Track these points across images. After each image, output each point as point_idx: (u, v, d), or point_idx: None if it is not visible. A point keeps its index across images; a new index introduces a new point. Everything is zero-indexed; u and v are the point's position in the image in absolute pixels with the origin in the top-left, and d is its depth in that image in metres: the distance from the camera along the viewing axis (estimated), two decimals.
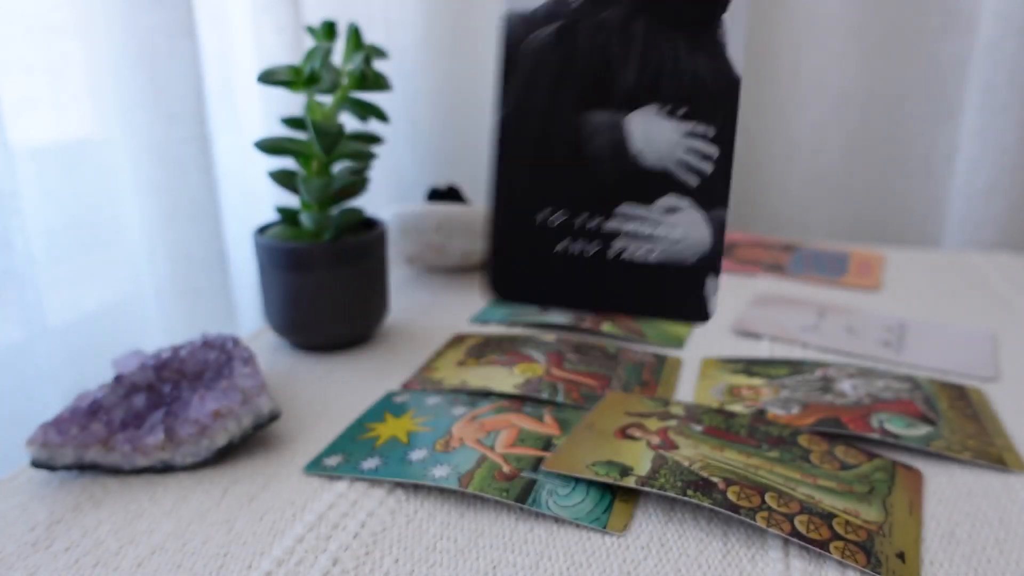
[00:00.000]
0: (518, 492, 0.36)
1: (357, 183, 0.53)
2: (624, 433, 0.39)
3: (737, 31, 0.37)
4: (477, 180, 1.04)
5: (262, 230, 0.54)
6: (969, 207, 0.83)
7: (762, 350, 0.53)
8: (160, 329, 0.63)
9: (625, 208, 0.38)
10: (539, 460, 0.38)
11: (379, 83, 0.50)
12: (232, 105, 0.71)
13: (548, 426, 0.42)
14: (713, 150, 0.38)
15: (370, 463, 0.39)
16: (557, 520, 0.35)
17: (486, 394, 0.46)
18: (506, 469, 0.37)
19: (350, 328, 0.53)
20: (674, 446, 0.38)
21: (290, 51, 0.70)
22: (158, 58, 0.56)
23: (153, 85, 0.57)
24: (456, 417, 0.43)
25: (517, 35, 0.38)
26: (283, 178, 0.53)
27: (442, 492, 0.37)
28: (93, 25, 0.55)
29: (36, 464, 0.37)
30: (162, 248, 0.60)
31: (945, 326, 0.57)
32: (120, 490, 0.38)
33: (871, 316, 0.58)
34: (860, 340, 0.53)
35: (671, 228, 0.38)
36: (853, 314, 0.58)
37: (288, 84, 0.49)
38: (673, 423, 0.41)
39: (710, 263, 0.38)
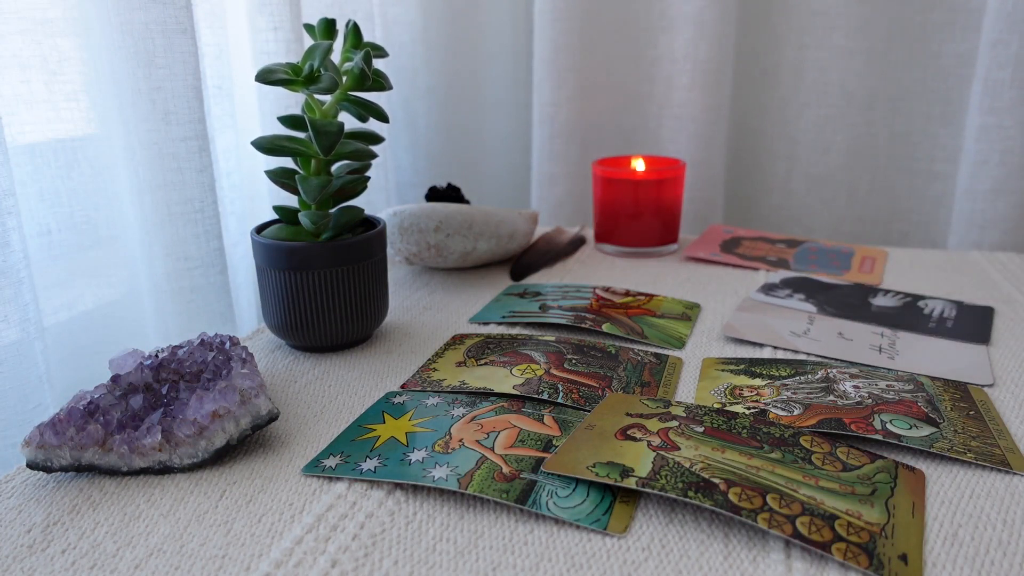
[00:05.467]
0: (518, 493, 0.35)
1: (356, 183, 0.53)
2: (625, 434, 0.39)
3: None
4: (476, 180, 1.04)
5: (260, 229, 0.53)
6: (974, 208, 0.83)
7: (763, 350, 0.53)
8: (157, 329, 0.62)
9: None
10: (539, 461, 0.38)
11: (379, 82, 0.50)
12: (230, 103, 0.70)
13: (548, 427, 0.41)
14: None
15: (369, 464, 0.38)
16: (557, 521, 0.34)
17: (486, 395, 0.46)
18: (506, 470, 0.37)
19: (349, 328, 0.52)
20: (675, 447, 0.38)
21: (289, 49, 0.70)
22: (155, 56, 0.56)
23: (150, 83, 0.56)
24: (455, 418, 0.43)
25: None
26: (281, 177, 0.52)
27: (441, 493, 0.37)
28: (89, 23, 0.55)
29: (32, 466, 0.37)
30: (159, 247, 0.60)
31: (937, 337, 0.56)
32: (117, 492, 0.37)
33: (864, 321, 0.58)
34: (852, 346, 0.53)
35: None
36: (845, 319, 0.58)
37: (286, 83, 0.49)
38: (674, 424, 0.40)
39: None
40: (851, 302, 0.61)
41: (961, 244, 0.85)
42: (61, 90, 0.55)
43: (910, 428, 0.41)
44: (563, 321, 0.56)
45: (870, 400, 0.44)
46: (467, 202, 0.73)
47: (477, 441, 0.40)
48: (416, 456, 0.39)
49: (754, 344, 0.54)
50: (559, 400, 0.44)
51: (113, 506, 0.36)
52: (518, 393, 0.45)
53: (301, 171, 0.52)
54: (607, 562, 0.32)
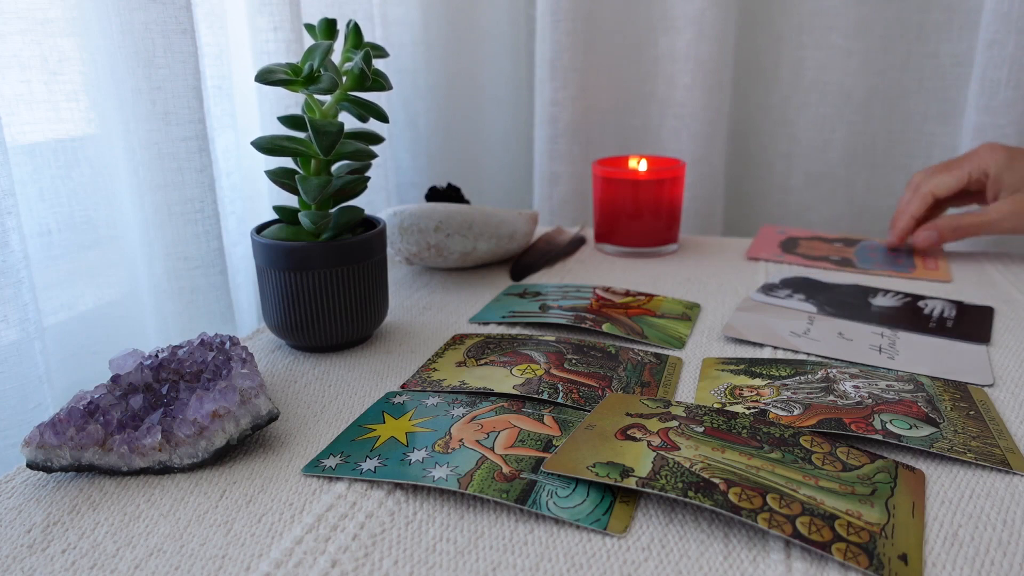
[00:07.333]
0: (518, 493, 0.35)
1: (356, 183, 0.53)
2: (625, 434, 0.39)
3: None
4: (477, 179, 1.04)
5: (260, 229, 0.53)
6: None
7: (763, 350, 0.53)
8: (157, 329, 0.62)
9: None
10: (539, 461, 0.38)
11: (379, 82, 0.50)
12: (230, 103, 0.70)
13: (548, 427, 0.41)
14: None
15: (369, 464, 0.38)
16: (557, 521, 0.34)
17: (486, 395, 0.46)
18: (506, 470, 0.37)
19: (349, 328, 0.52)
20: (675, 447, 0.38)
21: (289, 49, 0.70)
22: (155, 56, 0.56)
23: (150, 83, 0.56)
24: (455, 418, 0.43)
25: None
26: (281, 177, 0.52)
27: (441, 493, 0.37)
28: (89, 23, 0.55)
29: (32, 466, 0.37)
30: (159, 247, 0.60)
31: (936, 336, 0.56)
32: (117, 492, 0.37)
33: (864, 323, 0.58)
34: (852, 346, 0.53)
35: None
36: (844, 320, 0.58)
37: (286, 83, 0.49)
38: (674, 424, 0.40)
39: None
40: (851, 302, 0.61)
41: (959, 242, 0.85)
42: (61, 90, 0.55)
43: (910, 428, 0.41)
44: (563, 321, 0.56)
45: (870, 400, 0.44)
46: (467, 202, 0.73)
47: (477, 441, 0.40)
48: (416, 456, 0.39)
49: (754, 344, 0.54)
50: (559, 400, 0.44)
51: (113, 506, 0.36)
52: (518, 393, 0.45)
53: (301, 171, 0.52)
54: (607, 562, 0.32)
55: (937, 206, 0.72)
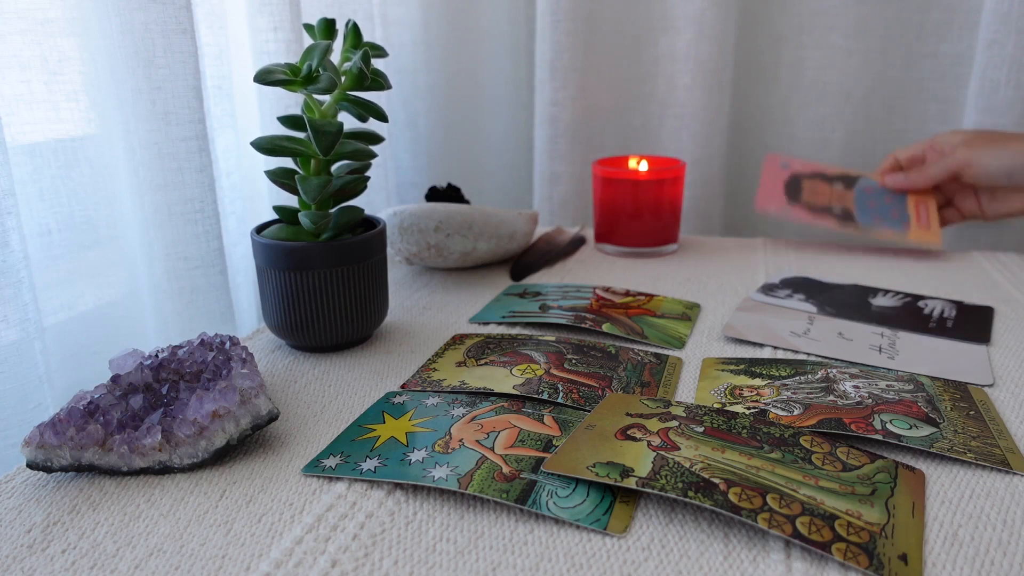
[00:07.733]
0: (518, 493, 0.35)
1: (356, 182, 0.53)
2: (625, 434, 0.39)
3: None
4: (477, 179, 1.04)
5: (260, 229, 0.53)
6: None
7: (763, 350, 0.53)
8: (157, 329, 0.62)
9: None
10: (539, 461, 0.38)
11: (378, 82, 0.50)
12: (230, 103, 0.70)
13: (548, 427, 0.41)
14: None
15: (369, 464, 0.38)
16: (557, 521, 0.34)
17: (486, 395, 0.46)
18: (506, 470, 0.37)
19: (349, 328, 0.52)
20: (675, 447, 0.38)
21: (289, 49, 0.70)
22: (155, 56, 0.56)
23: (150, 83, 0.56)
24: (455, 418, 0.43)
25: None
26: (281, 177, 0.52)
27: (441, 493, 0.37)
28: (89, 23, 0.55)
29: (32, 466, 0.37)
30: (159, 247, 0.60)
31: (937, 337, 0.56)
32: (117, 492, 0.37)
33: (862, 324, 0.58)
34: (852, 346, 0.53)
35: None
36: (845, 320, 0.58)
37: (285, 83, 0.49)
38: (674, 424, 0.40)
39: None
40: (851, 302, 0.61)
41: (959, 242, 0.85)
42: (61, 90, 0.55)
43: (910, 428, 0.41)
44: (563, 321, 0.56)
45: (870, 400, 0.44)
46: (467, 202, 0.73)
47: (477, 441, 0.40)
48: (416, 456, 0.39)
49: (754, 344, 0.54)
50: (559, 400, 0.44)
51: (113, 506, 0.36)
52: (518, 393, 0.45)
53: (301, 171, 0.52)
54: (607, 562, 0.32)
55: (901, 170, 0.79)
